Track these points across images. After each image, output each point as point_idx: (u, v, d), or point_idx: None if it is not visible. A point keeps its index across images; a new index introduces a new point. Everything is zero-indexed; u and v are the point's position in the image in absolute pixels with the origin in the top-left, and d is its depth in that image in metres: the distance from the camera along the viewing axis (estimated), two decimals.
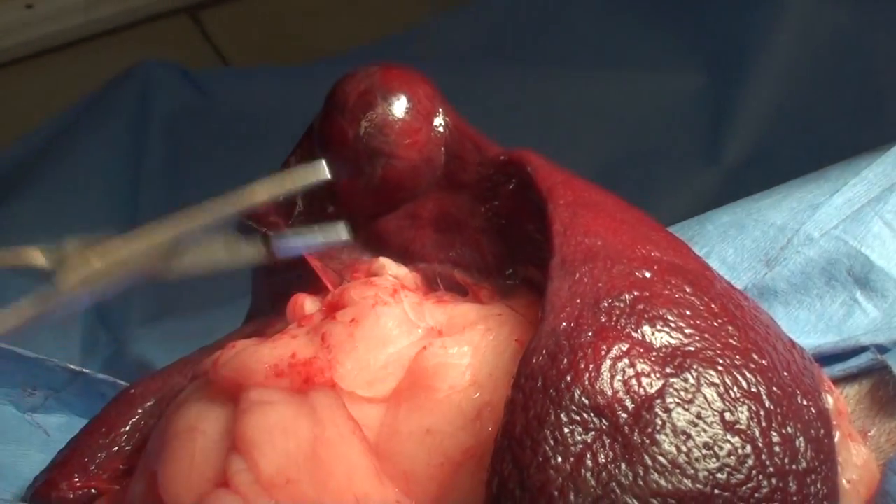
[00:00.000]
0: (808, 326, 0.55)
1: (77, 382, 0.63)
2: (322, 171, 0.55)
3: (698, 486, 0.39)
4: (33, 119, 1.05)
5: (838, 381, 0.50)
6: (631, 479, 0.39)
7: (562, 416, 0.40)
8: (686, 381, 0.41)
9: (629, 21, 1.07)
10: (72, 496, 0.53)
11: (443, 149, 0.57)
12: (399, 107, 0.56)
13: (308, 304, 0.54)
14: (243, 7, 1.24)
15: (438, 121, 0.57)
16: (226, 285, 0.76)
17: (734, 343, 0.43)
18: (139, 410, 0.56)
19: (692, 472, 0.39)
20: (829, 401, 0.46)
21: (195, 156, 1.04)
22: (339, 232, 0.55)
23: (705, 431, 0.40)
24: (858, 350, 0.51)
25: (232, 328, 0.60)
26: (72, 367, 0.63)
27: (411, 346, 0.49)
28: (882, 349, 0.50)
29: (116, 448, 0.54)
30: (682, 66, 1.03)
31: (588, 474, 0.39)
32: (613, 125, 1.01)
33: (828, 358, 0.51)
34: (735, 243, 0.59)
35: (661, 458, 0.40)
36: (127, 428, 0.55)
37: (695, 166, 0.99)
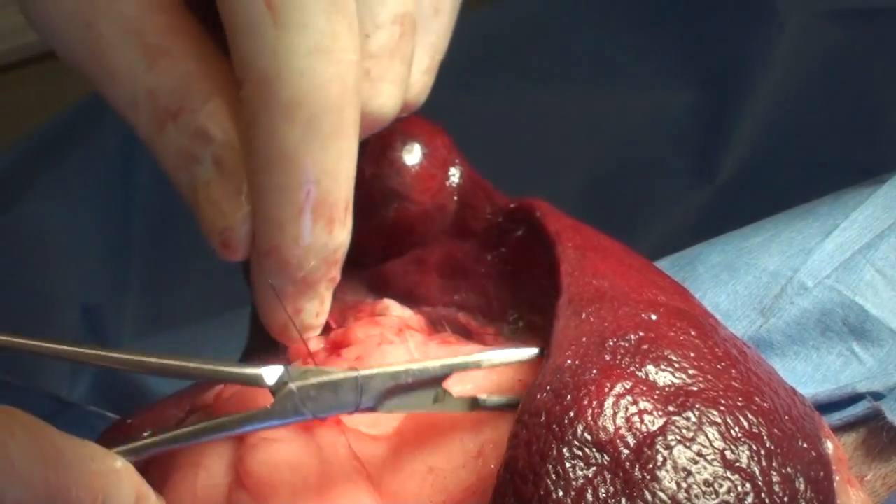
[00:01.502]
0: (805, 377, 0.55)
1: (66, 413, 0.63)
2: None
3: None
4: (31, 124, 1.04)
5: (837, 429, 0.51)
6: None
7: (564, 451, 0.41)
8: (688, 419, 0.42)
9: (623, 37, 1.07)
10: None
11: (455, 197, 0.58)
12: (417, 152, 0.57)
13: (313, 341, 0.54)
14: None
15: (453, 171, 0.58)
16: (220, 298, 0.76)
17: (737, 385, 0.44)
18: None
19: None
20: (830, 447, 0.46)
21: None
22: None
23: (706, 469, 0.41)
24: (855, 398, 0.51)
25: (225, 343, 0.60)
26: (60, 397, 0.63)
27: None
28: (878, 396, 0.51)
29: None
30: (676, 82, 1.03)
31: None
32: (606, 140, 1.00)
33: (825, 407, 0.52)
34: (728, 289, 0.59)
35: (661, 494, 0.40)
36: None
37: (688, 183, 0.99)
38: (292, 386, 0.45)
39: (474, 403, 0.47)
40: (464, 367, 0.48)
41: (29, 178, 0.99)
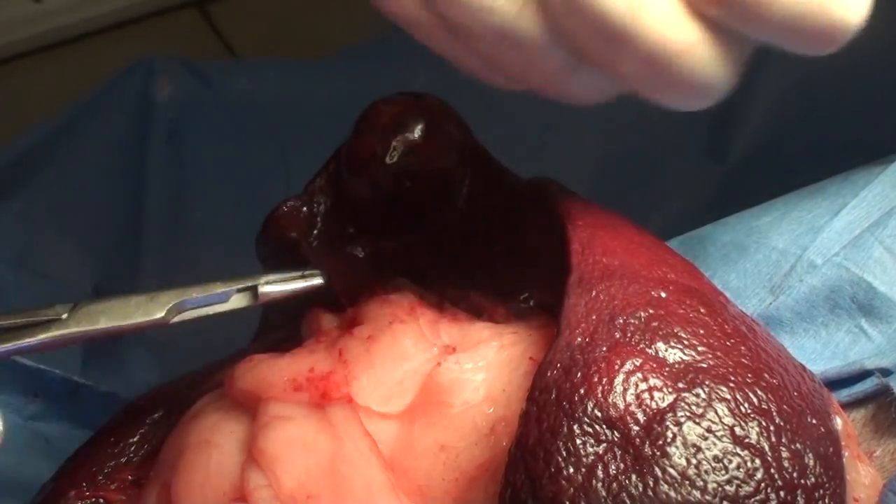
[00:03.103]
0: (814, 354, 0.55)
1: (79, 394, 0.63)
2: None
3: (707, 497, 0.40)
4: (42, 114, 1.05)
5: (846, 405, 0.51)
6: (641, 489, 0.40)
7: (574, 427, 0.41)
8: (698, 395, 0.42)
9: None
10: None
11: (467, 177, 0.58)
12: (430, 132, 0.57)
13: (326, 319, 0.55)
14: (253, 0, 1.23)
15: (465, 150, 0.58)
16: None
17: (746, 362, 0.44)
18: (148, 421, 0.57)
19: (701, 483, 0.40)
20: (839, 423, 0.46)
21: (199, 150, 1.03)
22: (316, 280, 0.56)
23: (715, 445, 0.41)
24: (864, 374, 0.51)
25: (237, 323, 0.61)
26: (74, 378, 0.64)
27: (426, 363, 0.50)
28: (886, 372, 0.51)
29: (125, 458, 0.55)
30: None
31: (599, 485, 0.40)
32: (617, 121, 0.98)
33: (834, 383, 0.52)
34: (737, 267, 0.59)
35: (671, 470, 0.40)
36: (135, 438, 0.56)
37: (698, 164, 0.98)
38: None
39: (255, 294, 0.54)
40: (244, 290, 0.54)
41: (41, 160, 0.99)
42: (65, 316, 0.52)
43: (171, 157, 1.02)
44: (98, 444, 0.56)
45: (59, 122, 1.02)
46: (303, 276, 0.55)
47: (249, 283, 0.54)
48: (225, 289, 0.54)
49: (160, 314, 0.52)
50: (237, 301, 0.54)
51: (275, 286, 0.55)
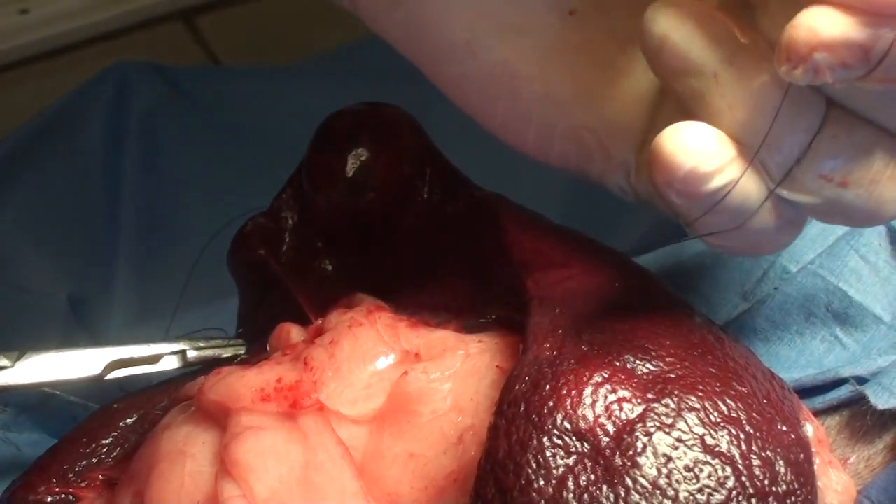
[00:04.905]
0: (788, 363, 0.55)
1: (50, 403, 0.63)
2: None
3: None
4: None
5: (820, 412, 0.51)
6: (612, 500, 0.40)
7: (544, 440, 0.41)
8: (667, 406, 0.42)
9: None
10: (49, 500, 0.54)
11: (426, 188, 0.58)
12: (385, 144, 0.57)
13: (294, 333, 0.55)
14: (239, 12, 1.22)
15: (423, 160, 0.58)
16: (206, 291, 0.76)
17: (714, 371, 0.44)
18: (121, 425, 0.57)
19: (672, 493, 0.40)
20: (809, 429, 0.46)
21: (174, 155, 1.03)
22: (239, 349, 0.61)
23: (686, 454, 0.41)
24: (838, 382, 0.51)
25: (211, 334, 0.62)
26: (44, 388, 0.64)
27: (391, 369, 0.50)
28: (861, 380, 0.51)
29: (97, 459, 0.55)
30: None
31: (570, 496, 0.40)
32: None
33: (809, 390, 0.51)
34: (710, 274, 0.59)
35: (642, 480, 0.40)
36: (108, 440, 0.56)
37: None
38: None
39: (184, 358, 0.59)
40: (175, 353, 0.59)
41: (13, 169, 0.99)
42: (9, 365, 0.55)
43: (145, 163, 1.02)
44: (71, 442, 0.56)
45: (32, 129, 1.01)
46: (228, 345, 0.61)
47: (180, 348, 0.59)
48: (158, 351, 0.59)
49: (97, 371, 0.57)
50: (167, 363, 0.59)
51: (202, 352, 0.60)
